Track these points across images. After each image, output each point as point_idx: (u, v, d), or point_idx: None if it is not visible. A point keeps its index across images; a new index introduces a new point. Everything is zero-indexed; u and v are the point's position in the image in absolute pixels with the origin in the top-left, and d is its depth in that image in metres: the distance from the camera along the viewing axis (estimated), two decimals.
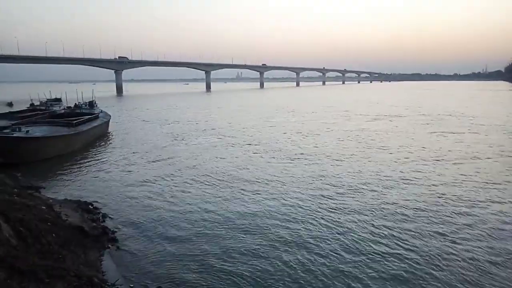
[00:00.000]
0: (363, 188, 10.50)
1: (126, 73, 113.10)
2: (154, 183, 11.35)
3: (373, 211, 8.69)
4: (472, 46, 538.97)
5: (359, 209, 8.82)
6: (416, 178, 11.52)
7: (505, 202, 9.26)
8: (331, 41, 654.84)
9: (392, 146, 17.03)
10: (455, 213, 8.55)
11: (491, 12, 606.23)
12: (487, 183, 10.89)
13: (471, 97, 60.96)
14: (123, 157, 15.21)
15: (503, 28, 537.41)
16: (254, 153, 15.85)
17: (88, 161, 14.63)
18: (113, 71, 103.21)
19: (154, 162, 14.26)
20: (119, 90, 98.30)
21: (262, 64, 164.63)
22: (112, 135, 21.29)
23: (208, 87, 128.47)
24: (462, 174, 11.88)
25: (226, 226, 7.97)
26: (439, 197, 9.64)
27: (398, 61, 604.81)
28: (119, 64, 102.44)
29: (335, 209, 8.88)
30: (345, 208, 8.92)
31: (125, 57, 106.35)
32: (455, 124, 25.01)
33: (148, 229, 7.82)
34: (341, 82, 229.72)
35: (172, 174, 12.34)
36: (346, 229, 7.73)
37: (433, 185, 10.71)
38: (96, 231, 7.45)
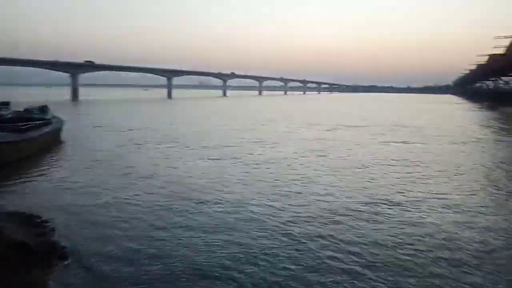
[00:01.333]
0: (313, 193, 10.77)
1: (86, 78, 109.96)
2: (109, 194, 10.94)
3: (314, 215, 8.94)
4: (424, 61, 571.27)
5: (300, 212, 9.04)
6: (359, 182, 12.00)
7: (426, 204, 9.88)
8: (293, 53, 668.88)
9: (343, 153, 17.64)
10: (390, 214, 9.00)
11: (442, 30, 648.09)
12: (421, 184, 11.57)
13: (421, 109, 64.55)
14: (76, 166, 14.59)
15: (452, 46, 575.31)
16: (212, 160, 15.80)
17: (37, 170, 13.87)
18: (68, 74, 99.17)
19: (109, 171, 13.79)
20: (75, 94, 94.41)
21: (231, 73, 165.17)
22: (65, 142, 20.37)
23: (170, 94, 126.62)
24: (400, 177, 12.54)
25: (178, 241, 7.83)
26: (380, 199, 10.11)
27: (356, 73, 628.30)
28: (75, 68, 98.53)
29: (280, 217, 9.03)
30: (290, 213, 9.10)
31: (91, 61, 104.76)
32: (405, 134, 26.32)
33: (101, 244, 7.50)
34: (302, 92, 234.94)
35: (127, 184, 11.98)
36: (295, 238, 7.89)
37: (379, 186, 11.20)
38: (43, 247, 7.05)
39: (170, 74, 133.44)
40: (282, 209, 9.84)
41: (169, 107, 62.98)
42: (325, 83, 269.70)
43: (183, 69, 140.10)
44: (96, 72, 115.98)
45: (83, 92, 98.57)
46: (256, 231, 8.31)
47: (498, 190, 12.14)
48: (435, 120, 40.34)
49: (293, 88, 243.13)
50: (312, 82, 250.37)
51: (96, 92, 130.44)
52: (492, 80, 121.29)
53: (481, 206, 10.28)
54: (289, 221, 8.95)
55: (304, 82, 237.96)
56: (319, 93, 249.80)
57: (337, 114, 49.42)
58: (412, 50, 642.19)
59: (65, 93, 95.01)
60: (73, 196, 10.74)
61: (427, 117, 45.59)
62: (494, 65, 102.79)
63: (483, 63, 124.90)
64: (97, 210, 9.53)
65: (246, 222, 8.93)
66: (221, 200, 10.53)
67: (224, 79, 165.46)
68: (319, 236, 8.06)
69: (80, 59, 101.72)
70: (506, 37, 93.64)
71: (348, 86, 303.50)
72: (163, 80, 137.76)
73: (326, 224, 8.83)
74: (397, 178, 13.43)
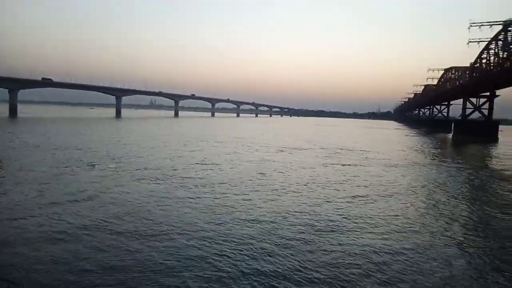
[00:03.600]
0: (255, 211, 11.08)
1: (29, 94, 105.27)
2: (41, 216, 10.45)
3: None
4: (369, 89, 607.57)
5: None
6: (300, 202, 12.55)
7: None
8: (245, 78, 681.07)
9: (287, 174, 18.26)
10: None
11: (383, 61, 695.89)
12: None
13: (366, 134, 68.32)
14: (5, 188, 13.72)
15: (393, 76, 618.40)
16: (149, 180, 15.62)
17: None
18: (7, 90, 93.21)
19: (43, 193, 13.13)
20: (13, 111, 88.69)
21: (192, 94, 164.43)
22: None
23: (119, 113, 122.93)
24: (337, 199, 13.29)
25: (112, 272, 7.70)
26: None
27: (305, 98, 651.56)
28: (14, 83, 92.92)
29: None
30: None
31: (50, 79, 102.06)
32: (347, 157, 27.74)
33: (32, 277, 7.11)
34: (254, 115, 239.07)
35: (63, 205, 11.51)
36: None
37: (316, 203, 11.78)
38: None
39: (119, 92, 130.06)
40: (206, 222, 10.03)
41: (122, 126, 61.00)
42: (277, 107, 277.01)
43: (133, 88, 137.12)
44: (39, 89, 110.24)
45: (24, 109, 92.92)
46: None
47: (425, 209, 13.26)
48: (376, 144, 42.87)
49: (245, 111, 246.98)
50: (263, 105, 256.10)
51: (38, 109, 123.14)
52: (428, 108, 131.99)
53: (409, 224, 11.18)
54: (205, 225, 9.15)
55: (256, 105, 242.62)
56: (270, 116, 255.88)
57: (287, 136, 50.85)
58: (359, 78, 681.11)
59: (3, 110, 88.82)
60: (3, 220, 10.11)
61: (370, 141, 48.32)
62: (429, 94, 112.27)
63: (418, 92, 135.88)
64: (28, 234, 9.07)
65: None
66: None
67: (176, 100, 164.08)
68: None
69: (21, 75, 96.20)
70: (438, 69, 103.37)
71: (298, 110, 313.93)
72: (111, 98, 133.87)
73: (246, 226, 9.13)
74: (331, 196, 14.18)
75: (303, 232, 9.81)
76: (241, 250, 8.41)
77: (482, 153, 40.18)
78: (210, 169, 19.47)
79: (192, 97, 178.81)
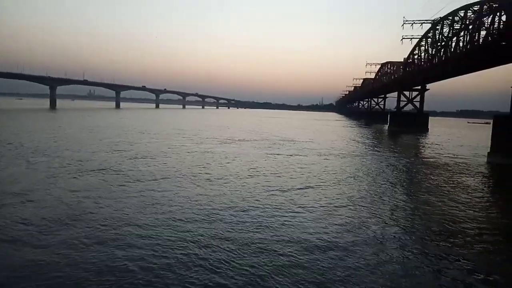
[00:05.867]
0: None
1: None
2: None
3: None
4: (313, 82, 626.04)
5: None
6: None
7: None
8: (192, 68, 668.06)
9: (229, 165, 18.24)
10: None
11: (327, 55, 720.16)
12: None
13: (308, 126, 70.37)
14: None
15: (335, 69, 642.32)
16: (84, 175, 14.78)
17: None
18: None
19: None
20: None
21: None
22: None
23: (53, 104, 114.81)
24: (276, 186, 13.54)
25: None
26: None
27: (253, 90, 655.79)
28: None
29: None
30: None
31: None
32: (288, 147, 28.34)
33: None
34: (201, 107, 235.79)
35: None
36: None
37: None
38: None
39: (54, 82, 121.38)
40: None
41: (57, 119, 56.84)
42: (224, 99, 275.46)
43: (69, 78, 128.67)
44: None
45: None
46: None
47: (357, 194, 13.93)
48: (318, 135, 44.28)
49: (191, 103, 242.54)
50: (211, 97, 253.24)
51: None
52: (366, 101, 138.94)
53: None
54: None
55: (202, 96, 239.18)
56: (217, 107, 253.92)
57: (232, 128, 50.75)
58: (304, 71, 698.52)
59: None
60: None
61: (312, 133, 49.81)
62: (367, 87, 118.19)
63: (358, 86, 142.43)
64: None
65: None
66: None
67: (117, 90, 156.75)
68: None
69: None
70: (376, 64, 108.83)
71: (245, 102, 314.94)
72: (45, 89, 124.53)
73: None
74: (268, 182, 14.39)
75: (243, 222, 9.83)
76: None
77: (415, 142, 43.13)
78: (153, 161, 18.88)
79: (134, 87, 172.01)
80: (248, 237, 8.81)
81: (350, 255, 8.00)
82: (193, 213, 10.51)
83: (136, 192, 12.55)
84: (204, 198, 12.23)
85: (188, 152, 23.06)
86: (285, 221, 10.14)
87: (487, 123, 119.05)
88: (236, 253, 7.86)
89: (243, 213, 10.73)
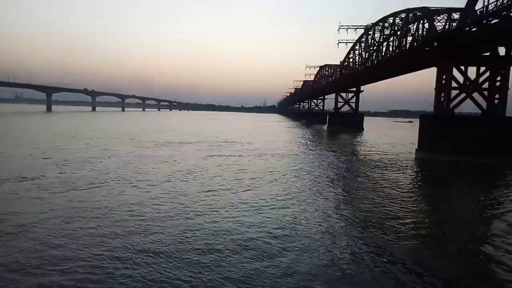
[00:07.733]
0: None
1: None
2: None
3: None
4: (256, 84, 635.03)
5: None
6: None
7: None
8: (131, 69, 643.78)
9: (166, 168, 17.70)
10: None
11: (267, 56, 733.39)
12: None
13: (249, 127, 70.98)
14: None
15: (277, 70, 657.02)
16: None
17: None
18: None
19: None
20: None
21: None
22: None
23: None
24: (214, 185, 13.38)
25: None
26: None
27: (196, 92, 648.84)
28: None
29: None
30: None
31: None
32: (229, 149, 28.24)
33: None
34: (141, 109, 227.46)
35: None
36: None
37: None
38: None
39: None
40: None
41: None
42: (165, 101, 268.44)
43: None
44: None
45: None
46: None
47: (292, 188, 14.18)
48: (258, 136, 44.70)
49: (131, 105, 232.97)
50: (151, 99, 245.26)
51: None
52: (307, 102, 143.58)
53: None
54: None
55: (143, 99, 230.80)
56: (159, 110, 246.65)
57: (172, 130, 49.48)
58: (247, 73, 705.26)
59: None
60: None
61: (253, 134, 50.17)
62: (307, 89, 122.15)
63: (299, 88, 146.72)
64: None
65: None
66: None
67: (48, 92, 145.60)
68: None
69: None
70: (314, 66, 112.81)
71: (188, 104, 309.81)
72: None
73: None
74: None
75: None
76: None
77: (352, 141, 45.25)
78: (89, 165, 17.69)
79: (68, 89, 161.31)
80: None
81: (286, 245, 8.07)
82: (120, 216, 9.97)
83: (66, 202, 11.64)
84: (135, 200, 11.67)
85: (123, 156, 21.99)
86: (222, 218, 10.00)
87: (410, 122, 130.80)
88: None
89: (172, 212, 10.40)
